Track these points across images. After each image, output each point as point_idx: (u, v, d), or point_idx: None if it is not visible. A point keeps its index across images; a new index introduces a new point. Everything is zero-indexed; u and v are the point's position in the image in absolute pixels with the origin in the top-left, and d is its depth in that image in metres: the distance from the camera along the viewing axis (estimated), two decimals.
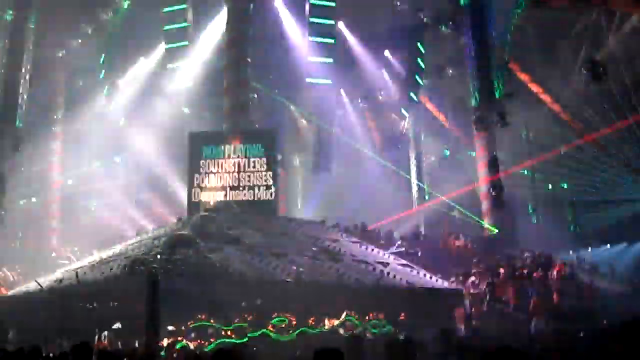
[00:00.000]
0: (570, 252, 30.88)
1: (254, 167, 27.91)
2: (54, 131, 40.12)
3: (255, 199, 27.60)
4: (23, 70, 35.29)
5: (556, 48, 33.20)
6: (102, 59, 39.12)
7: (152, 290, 15.24)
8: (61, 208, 39.31)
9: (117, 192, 39.73)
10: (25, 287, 22.80)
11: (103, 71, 39.26)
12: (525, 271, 25.26)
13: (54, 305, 19.11)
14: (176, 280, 16.96)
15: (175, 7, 35.48)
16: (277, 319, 17.94)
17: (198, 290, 16.87)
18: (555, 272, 24.73)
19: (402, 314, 20.00)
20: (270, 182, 27.78)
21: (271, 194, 27.77)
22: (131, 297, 16.90)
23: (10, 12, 35.41)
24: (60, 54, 39.36)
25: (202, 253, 19.61)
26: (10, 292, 24.14)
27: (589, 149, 34.15)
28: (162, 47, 37.29)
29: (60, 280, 20.82)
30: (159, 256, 18.96)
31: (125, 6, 38.12)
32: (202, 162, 28.46)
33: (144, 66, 39.44)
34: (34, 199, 39.57)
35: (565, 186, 38.06)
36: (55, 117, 40.41)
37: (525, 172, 37.48)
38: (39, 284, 20.65)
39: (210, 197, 27.57)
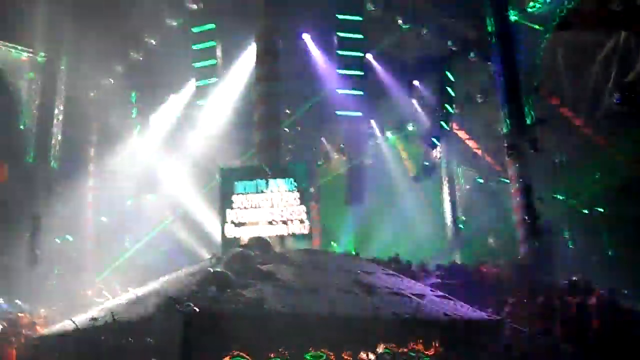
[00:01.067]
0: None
1: (287, 201, 27.90)
2: (88, 170, 40.62)
3: (289, 233, 27.56)
4: (56, 111, 36.01)
5: (586, 71, 32.99)
6: (133, 97, 39.69)
7: (186, 328, 15.27)
8: (96, 246, 39.65)
9: (150, 229, 40.03)
10: (61, 326, 22.87)
11: (135, 109, 39.82)
12: (562, 298, 24.78)
13: (89, 344, 19.17)
14: (210, 318, 16.91)
15: (205, 45, 35.84)
16: (313, 354, 17.76)
17: (232, 327, 16.79)
18: (594, 299, 24.24)
19: (441, 346, 19.74)
20: (304, 216, 27.70)
21: (305, 228, 27.72)
22: (166, 335, 16.88)
23: (42, 54, 36.11)
24: (92, 94, 39.98)
25: (236, 290, 19.56)
26: (45, 331, 24.21)
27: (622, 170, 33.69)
28: (192, 84, 37.53)
29: (96, 319, 20.87)
30: (193, 294, 18.94)
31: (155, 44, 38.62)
32: (234, 197, 28.45)
33: (174, 103, 39.88)
34: (68, 237, 39.76)
35: (602, 210, 37.52)
36: (88, 156, 40.95)
37: (559, 196, 37.10)
38: (74, 323, 20.71)
39: (244, 233, 27.57)
